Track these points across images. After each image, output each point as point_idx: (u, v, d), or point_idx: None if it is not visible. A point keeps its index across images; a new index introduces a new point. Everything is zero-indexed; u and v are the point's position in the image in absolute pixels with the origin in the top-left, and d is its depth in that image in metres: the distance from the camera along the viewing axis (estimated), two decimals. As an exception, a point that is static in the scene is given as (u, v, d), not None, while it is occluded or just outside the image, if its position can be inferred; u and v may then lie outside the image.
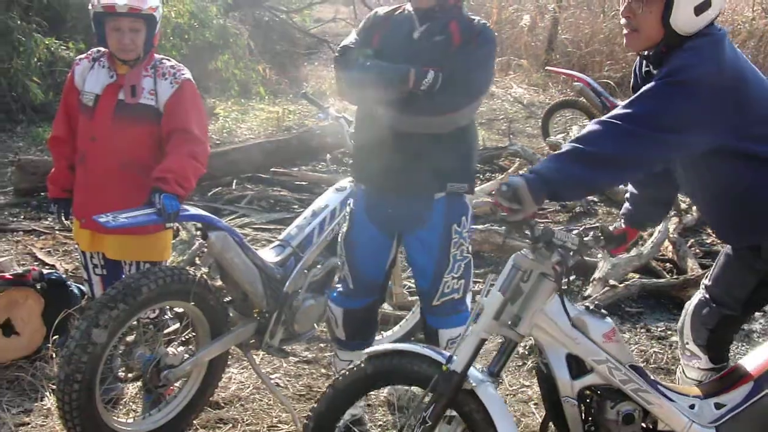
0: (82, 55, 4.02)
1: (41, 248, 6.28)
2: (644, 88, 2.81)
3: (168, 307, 3.78)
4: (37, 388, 4.16)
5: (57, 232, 6.59)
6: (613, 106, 9.51)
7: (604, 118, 2.81)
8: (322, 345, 4.91)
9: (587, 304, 2.96)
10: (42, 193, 7.36)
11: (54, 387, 3.73)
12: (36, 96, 9.79)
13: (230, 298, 3.97)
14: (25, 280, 4.48)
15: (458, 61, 3.41)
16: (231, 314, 3.90)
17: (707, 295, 3.37)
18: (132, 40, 3.73)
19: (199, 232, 3.86)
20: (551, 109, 10.56)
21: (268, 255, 4.03)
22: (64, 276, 4.89)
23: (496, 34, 3.71)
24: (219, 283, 3.95)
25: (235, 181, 8.18)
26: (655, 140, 2.72)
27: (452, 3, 3.56)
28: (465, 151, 3.66)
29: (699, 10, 2.82)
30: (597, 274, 5.80)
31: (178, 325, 3.85)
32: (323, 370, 4.65)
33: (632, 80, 3.28)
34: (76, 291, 4.68)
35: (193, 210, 3.77)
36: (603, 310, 2.91)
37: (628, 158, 2.75)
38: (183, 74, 3.86)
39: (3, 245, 6.35)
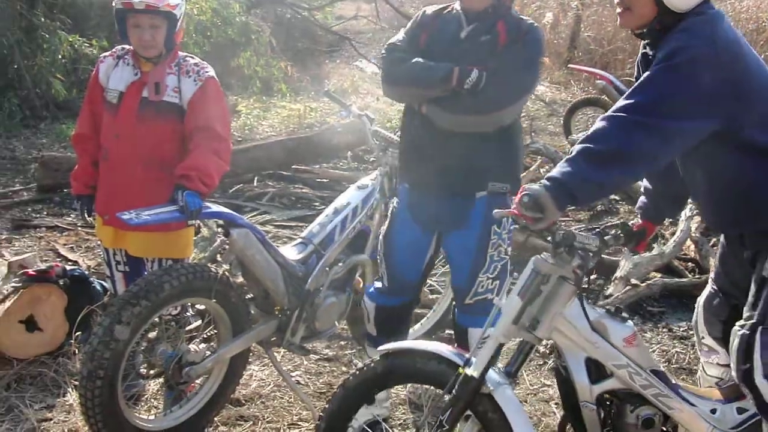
0: (107, 53, 4.03)
1: (64, 244, 6.32)
2: (643, 76, 2.75)
3: (190, 304, 3.79)
4: (59, 384, 4.19)
5: (80, 228, 6.64)
6: (635, 104, 9.47)
7: (608, 112, 2.76)
8: (342, 343, 4.91)
9: (608, 306, 2.91)
10: (65, 190, 7.42)
11: (76, 383, 3.75)
12: (59, 93, 9.87)
13: (252, 295, 3.97)
14: (48, 277, 4.50)
15: (504, 60, 3.40)
16: (252, 311, 3.91)
17: (714, 287, 3.30)
18: (152, 37, 3.74)
19: (220, 229, 3.86)
20: (573, 107, 10.51)
21: (290, 252, 4.03)
22: (86, 272, 4.92)
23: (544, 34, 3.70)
24: (240, 280, 3.95)
25: (256, 178, 8.21)
26: (660, 129, 2.67)
27: (505, 3, 3.57)
28: (508, 150, 3.62)
29: None
30: (618, 273, 5.76)
31: (199, 322, 3.86)
32: (344, 368, 4.65)
33: (635, 72, 3.19)
34: (98, 287, 4.71)
35: (216, 207, 3.78)
36: (624, 314, 2.87)
37: (637, 151, 2.69)
38: (207, 72, 3.87)
39: (26, 241, 6.40)
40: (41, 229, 6.70)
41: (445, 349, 2.91)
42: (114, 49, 4.02)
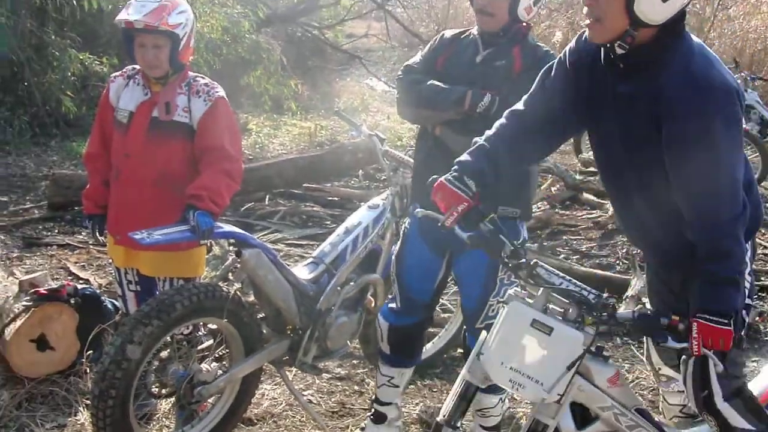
0: (117, 73, 4.04)
1: (75, 262, 6.32)
2: (708, 144, 2.56)
3: (201, 323, 3.78)
4: (71, 403, 4.17)
5: (91, 246, 6.64)
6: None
7: (713, 221, 2.61)
8: (354, 362, 4.90)
9: (589, 347, 2.75)
10: (76, 207, 7.42)
11: (88, 402, 3.76)
12: (69, 110, 9.90)
13: (263, 314, 3.97)
14: (60, 295, 4.50)
15: (517, 86, 3.38)
16: (264, 331, 3.90)
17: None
18: (155, 56, 3.74)
19: (232, 248, 3.86)
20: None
21: (302, 272, 4.03)
22: (98, 291, 4.92)
23: None
24: (252, 299, 3.95)
25: (267, 196, 8.22)
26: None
27: (521, 30, 3.59)
28: (519, 175, 3.60)
29: None
30: (630, 292, 5.73)
31: (211, 341, 3.85)
32: (356, 387, 4.63)
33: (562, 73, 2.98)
34: (109, 306, 4.70)
35: (227, 227, 3.78)
36: (605, 353, 2.73)
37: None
38: (217, 92, 3.87)
39: (37, 259, 6.41)
40: (52, 247, 6.71)
41: None
42: (124, 69, 4.03)
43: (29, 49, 9.91)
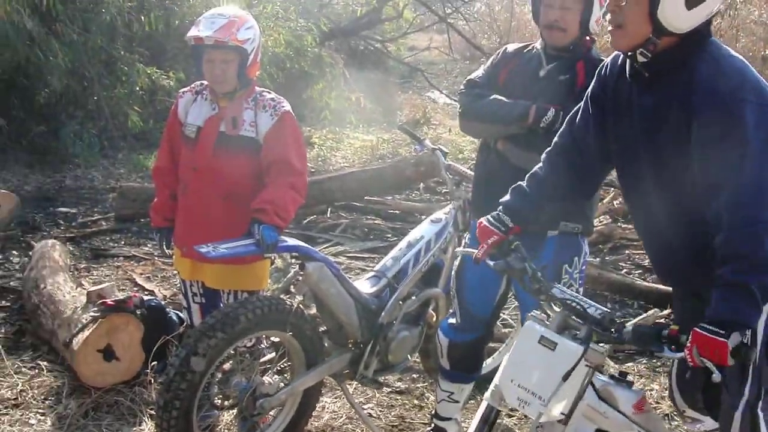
0: (186, 88, 4.11)
1: (141, 274, 6.42)
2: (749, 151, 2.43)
3: (264, 336, 3.82)
4: (135, 413, 4.23)
5: (156, 258, 6.74)
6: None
7: (746, 227, 2.44)
8: (415, 376, 4.89)
9: (613, 373, 2.76)
10: (142, 220, 7.57)
11: (152, 413, 3.80)
12: (136, 124, 10.06)
13: (325, 328, 3.99)
14: (127, 306, 4.57)
15: (580, 101, 3.40)
16: (326, 344, 3.92)
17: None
18: (223, 72, 3.78)
19: (294, 260, 3.88)
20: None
21: (364, 286, 4.04)
22: (163, 302, 4.99)
23: None
24: (314, 312, 3.98)
25: (329, 209, 8.27)
26: None
27: (586, 43, 3.58)
28: None
29: (691, 2, 2.49)
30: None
31: (274, 354, 3.88)
32: (416, 401, 4.63)
33: (595, 87, 2.94)
34: (174, 317, 4.78)
35: (291, 241, 3.81)
36: (629, 378, 2.69)
37: None
38: (283, 107, 3.90)
39: (104, 270, 6.52)
40: (119, 259, 6.82)
41: None
42: (192, 85, 4.09)
43: (99, 64, 10.11)
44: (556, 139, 3.10)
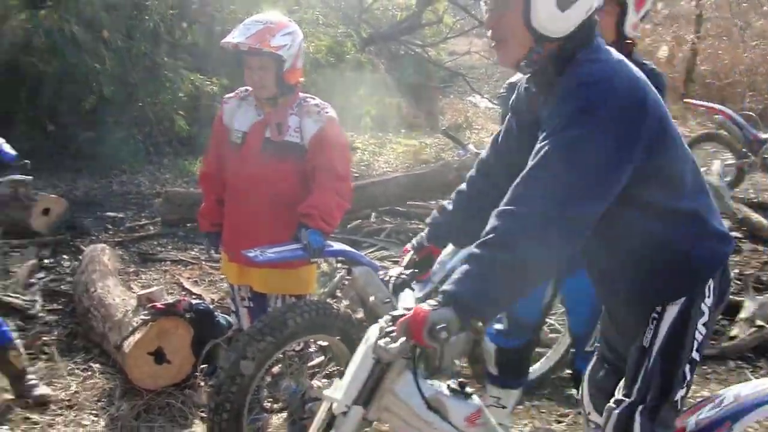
0: (231, 95, 4.14)
1: (188, 278, 6.50)
2: (551, 146, 2.29)
3: (313, 340, 3.85)
4: (186, 415, 4.29)
5: (203, 262, 6.82)
6: (756, 138, 9.22)
7: (511, 207, 2.33)
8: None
9: (449, 383, 2.60)
10: (188, 224, 7.65)
11: (203, 415, 3.85)
12: (181, 129, 10.17)
13: (373, 332, 4.01)
14: (176, 310, 4.63)
15: None
16: (373, 348, 3.94)
17: (597, 354, 2.96)
18: (260, 78, 3.79)
19: (340, 265, 3.91)
20: (691, 142, 10.25)
21: (410, 290, 4.05)
22: (211, 306, 5.05)
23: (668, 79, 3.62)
24: (361, 316, 4.00)
25: (373, 214, 8.30)
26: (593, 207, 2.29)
27: (626, 47, 3.52)
28: None
29: (563, 3, 2.33)
30: (743, 314, 5.58)
31: (322, 358, 3.91)
32: (462, 406, 4.62)
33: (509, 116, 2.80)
34: (222, 321, 4.81)
35: (338, 245, 3.84)
36: (468, 389, 2.55)
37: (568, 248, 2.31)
38: (327, 112, 3.93)
39: (152, 274, 6.60)
40: (166, 263, 6.91)
41: None
42: (237, 91, 4.12)
43: (143, 71, 10.23)
44: (481, 154, 3.01)
